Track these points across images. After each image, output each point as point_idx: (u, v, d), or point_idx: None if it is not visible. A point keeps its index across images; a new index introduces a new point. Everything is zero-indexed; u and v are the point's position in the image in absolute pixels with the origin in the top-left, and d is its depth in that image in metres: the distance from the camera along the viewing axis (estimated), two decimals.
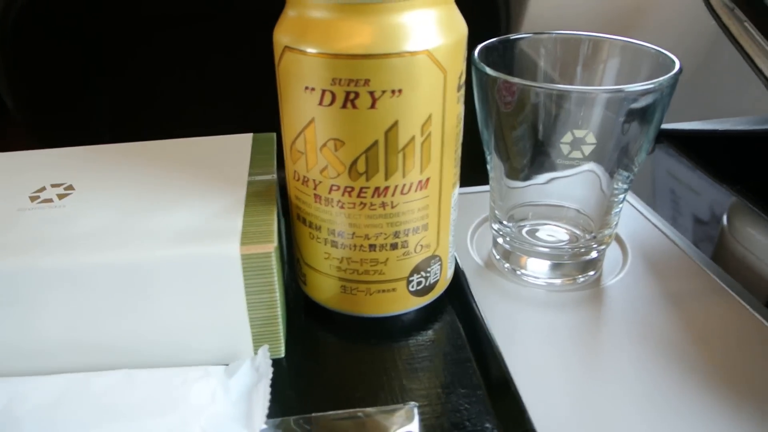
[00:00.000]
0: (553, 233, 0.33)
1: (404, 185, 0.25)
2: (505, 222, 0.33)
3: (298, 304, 0.31)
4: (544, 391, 0.26)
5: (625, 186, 0.31)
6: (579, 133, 0.28)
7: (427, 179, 0.26)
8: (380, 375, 0.27)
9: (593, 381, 0.27)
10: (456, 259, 0.32)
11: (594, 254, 0.32)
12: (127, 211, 0.27)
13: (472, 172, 0.36)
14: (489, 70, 0.28)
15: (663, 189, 0.57)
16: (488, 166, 0.33)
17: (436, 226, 0.27)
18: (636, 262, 0.34)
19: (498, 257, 0.34)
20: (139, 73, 0.48)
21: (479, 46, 0.30)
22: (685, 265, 0.34)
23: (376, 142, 0.24)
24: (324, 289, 0.28)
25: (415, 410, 0.25)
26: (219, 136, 0.32)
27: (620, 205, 0.32)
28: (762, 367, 0.27)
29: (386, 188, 0.25)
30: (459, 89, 0.25)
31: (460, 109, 0.26)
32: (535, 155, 0.30)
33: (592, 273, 0.33)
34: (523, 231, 0.33)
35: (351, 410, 0.25)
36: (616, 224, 0.32)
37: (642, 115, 0.28)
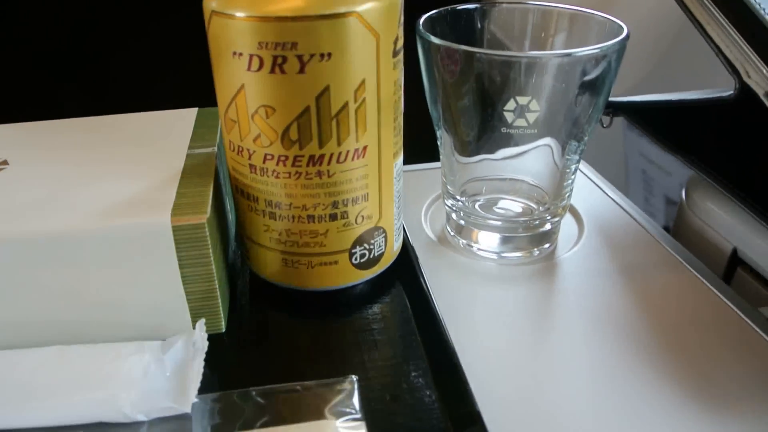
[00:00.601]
0: (507, 206, 0.33)
1: (340, 153, 0.25)
2: (458, 197, 0.33)
3: (243, 279, 0.30)
4: (489, 366, 0.26)
5: (577, 156, 0.31)
6: (522, 100, 0.27)
7: (365, 147, 0.25)
8: (323, 349, 0.26)
9: (541, 357, 0.26)
10: (405, 232, 0.31)
11: (548, 226, 0.32)
12: (61, 185, 0.26)
13: (428, 148, 0.36)
14: (432, 38, 0.28)
15: (635, 170, 0.56)
16: (438, 142, 0.32)
17: (377, 196, 0.27)
18: (591, 234, 0.34)
19: (452, 233, 0.34)
20: (135, 60, 0.48)
21: (424, 16, 0.30)
22: (640, 237, 0.33)
23: (307, 109, 0.24)
24: (265, 262, 0.28)
25: (355, 383, 0.24)
26: (163, 111, 0.32)
27: (573, 176, 0.31)
28: (715, 340, 0.27)
29: (321, 157, 0.25)
30: (395, 55, 0.25)
31: (398, 75, 0.26)
32: (483, 127, 0.30)
33: (546, 246, 0.33)
34: (477, 205, 0.33)
35: (289, 384, 0.25)
36: (569, 195, 0.32)
37: (591, 83, 0.28)
